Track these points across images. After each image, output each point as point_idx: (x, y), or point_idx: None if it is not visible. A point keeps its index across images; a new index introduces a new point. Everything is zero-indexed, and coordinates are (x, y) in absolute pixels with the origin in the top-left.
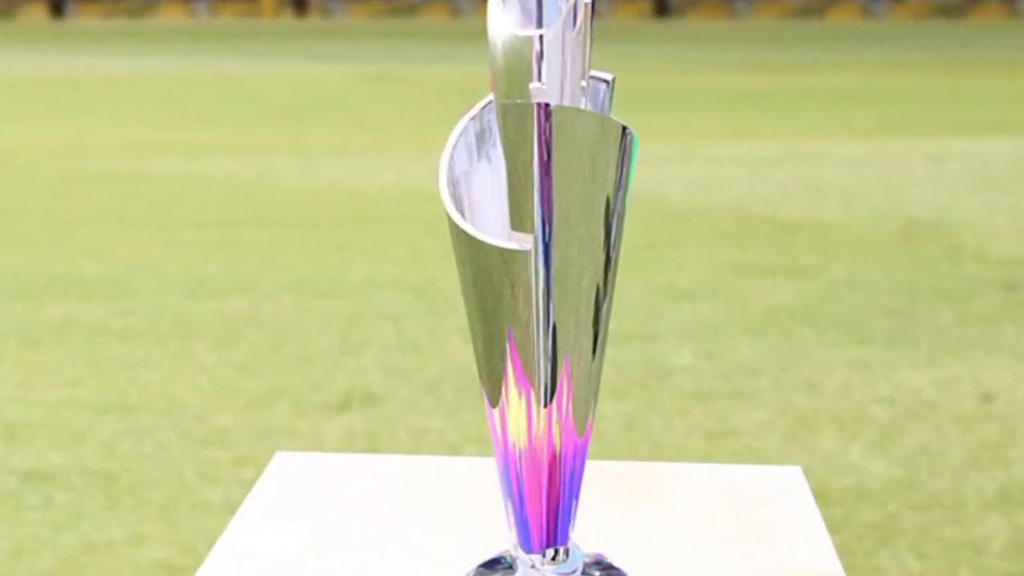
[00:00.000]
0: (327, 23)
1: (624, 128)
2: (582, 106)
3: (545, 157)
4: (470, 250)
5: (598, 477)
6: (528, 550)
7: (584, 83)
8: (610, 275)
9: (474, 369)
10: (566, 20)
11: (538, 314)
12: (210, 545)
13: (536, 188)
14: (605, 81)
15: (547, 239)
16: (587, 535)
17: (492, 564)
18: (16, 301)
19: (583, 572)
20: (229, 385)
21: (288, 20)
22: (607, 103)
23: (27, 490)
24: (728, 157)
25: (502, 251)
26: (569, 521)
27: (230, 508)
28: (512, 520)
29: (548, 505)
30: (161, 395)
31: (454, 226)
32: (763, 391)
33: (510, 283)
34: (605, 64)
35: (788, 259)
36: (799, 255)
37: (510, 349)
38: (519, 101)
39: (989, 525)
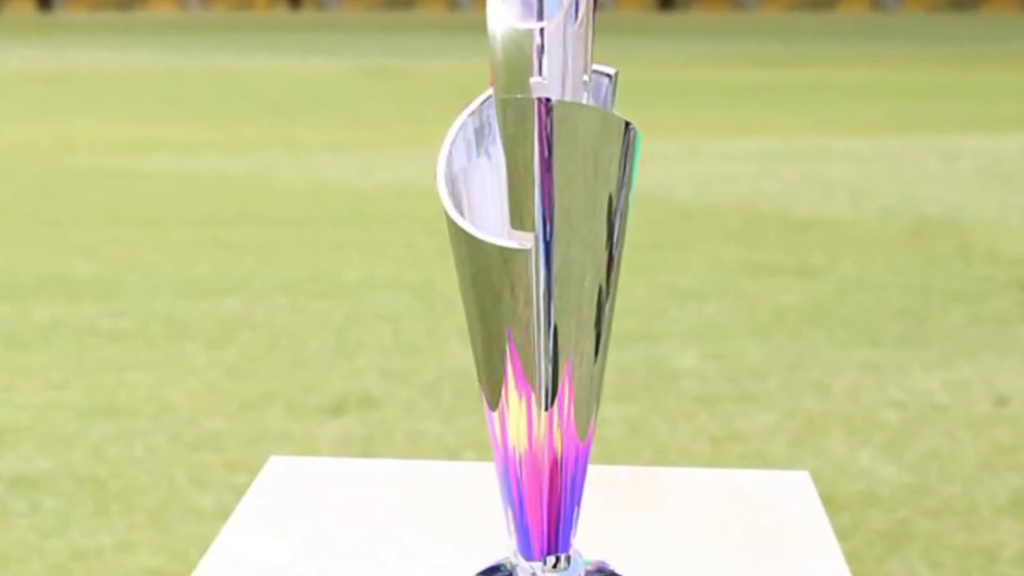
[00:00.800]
0: (322, 16)
1: (627, 123)
2: (584, 101)
3: (546, 153)
4: (469, 249)
5: (600, 482)
6: (528, 557)
7: (586, 77)
8: (613, 275)
9: (473, 371)
10: (568, 13)
11: (539, 315)
12: (202, 552)
13: (537, 185)
14: (608, 75)
15: (548, 238)
16: (589, 542)
17: (491, 571)
18: (3, 302)
19: None
20: (221, 388)
21: (282, 13)
22: (610, 98)
23: (13, 496)
24: (734, 153)
25: (502, 250)
26: (570, 527)
27: (222, 514)
28: (512, 526)
29: (549, 511)
30: (151, 398)
31: (453, 225)
32: (770, 394)
33: (510, 283)
34: (608, 58)
35: (796, 258)
36: (807, 254)
37: (510, 351)
38: (519, 96)
39: (1002, 532)
